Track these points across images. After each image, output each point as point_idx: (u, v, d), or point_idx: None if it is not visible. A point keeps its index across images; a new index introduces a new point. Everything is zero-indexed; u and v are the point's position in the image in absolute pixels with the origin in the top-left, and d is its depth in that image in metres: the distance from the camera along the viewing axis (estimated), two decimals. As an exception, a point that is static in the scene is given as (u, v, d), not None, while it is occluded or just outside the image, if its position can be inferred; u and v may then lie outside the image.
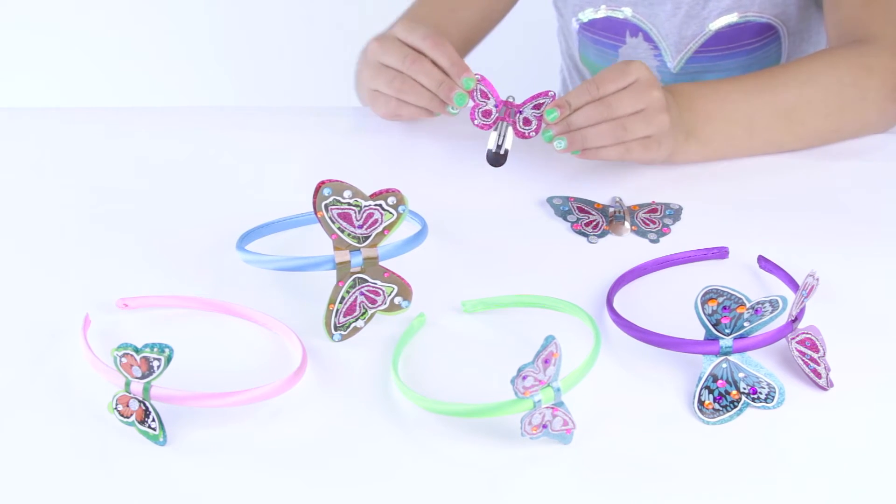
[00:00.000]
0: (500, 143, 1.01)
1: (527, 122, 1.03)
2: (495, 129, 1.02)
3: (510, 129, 1.02)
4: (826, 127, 1.09)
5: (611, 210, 1.02)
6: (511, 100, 1.03)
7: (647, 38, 1.24)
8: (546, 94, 1.03)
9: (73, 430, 0.80)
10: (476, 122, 1.04)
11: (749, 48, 1.24)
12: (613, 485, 0.76)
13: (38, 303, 0.91)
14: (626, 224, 1.00)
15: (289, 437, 0.79)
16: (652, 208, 1.02)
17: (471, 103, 1.03)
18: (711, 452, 0.78)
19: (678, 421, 0.80)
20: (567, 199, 1.04)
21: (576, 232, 1.00)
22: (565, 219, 1.01)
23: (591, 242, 0.99)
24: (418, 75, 1.03)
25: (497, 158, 1.00)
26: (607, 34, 1.26)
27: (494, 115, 1.03)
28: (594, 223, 1.01)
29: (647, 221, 1.01)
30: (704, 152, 1.07)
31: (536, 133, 1.03)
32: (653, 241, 0.99)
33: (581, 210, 1.02)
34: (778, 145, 1.09)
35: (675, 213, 1.02)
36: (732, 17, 1.21)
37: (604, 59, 1.29)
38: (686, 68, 1.26)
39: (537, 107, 1.03)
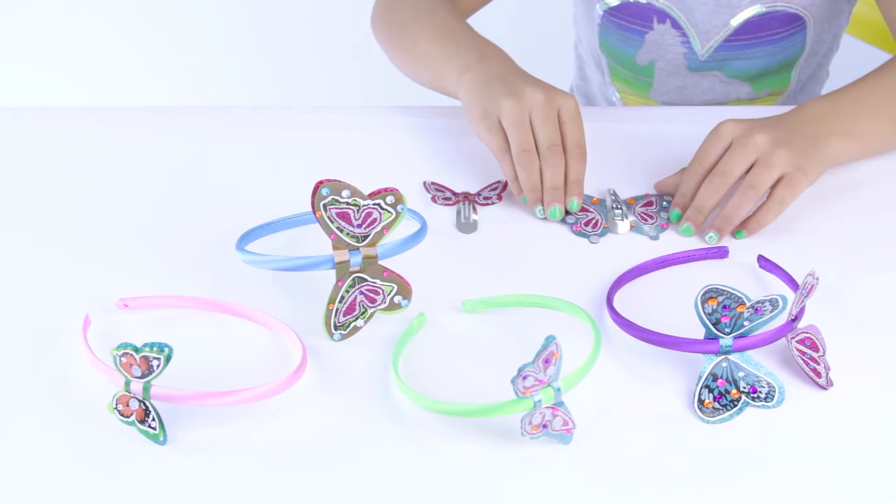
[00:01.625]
0: (467, 214, 1.02)
1: (486, 198, 1.04)
2: (457, 208, 1.03)
3: (472, 204, 1.03)
4: None
5: (609, 204, 1.02)
6: (467, 192, 1.05)
7: (675, 25, 1.25)
8: (498, 182, 1.06)
9: (74, 430, 0.80)
10: (438, 202, 1.04)
11: (776, 37, 1.25)
12: (613, 485, 0.76)
13: (38, 303, 0.91)
14: (626, 221, 1.00)
15: (289, 436, 0.79)
16: (647, 201, 1.02)
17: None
18: (711, 452, 0.78)
19: (678, 421, 0.80)
20: None
21: (576, 234, 1.00)
22: (564, 220, 1.01)
23: (592, 243, 0.99)
24: (546, 167, 1.00)
25: (467, 226, 1.00)
26: (634, 20, 1.26)
27: (454, 199, 1.04)
28: (594, 222, 1.01)
29: (645, 216, 1.01)
30: (863, 149, 1.05)
31: (499, 200, 1.04)
32: (652, 238, 0.99)
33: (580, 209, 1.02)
34: None
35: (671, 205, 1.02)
36: (761, 8, 1.22)
37: (628, 45, 1.29)
38: (714, 56, 1.27)
39: (493, 189, 1.05)
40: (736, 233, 0.99)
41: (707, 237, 0.98)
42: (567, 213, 1.01)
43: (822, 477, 0.76)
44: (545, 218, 1.01)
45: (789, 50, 1.27)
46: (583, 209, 1.02)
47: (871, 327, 0.88)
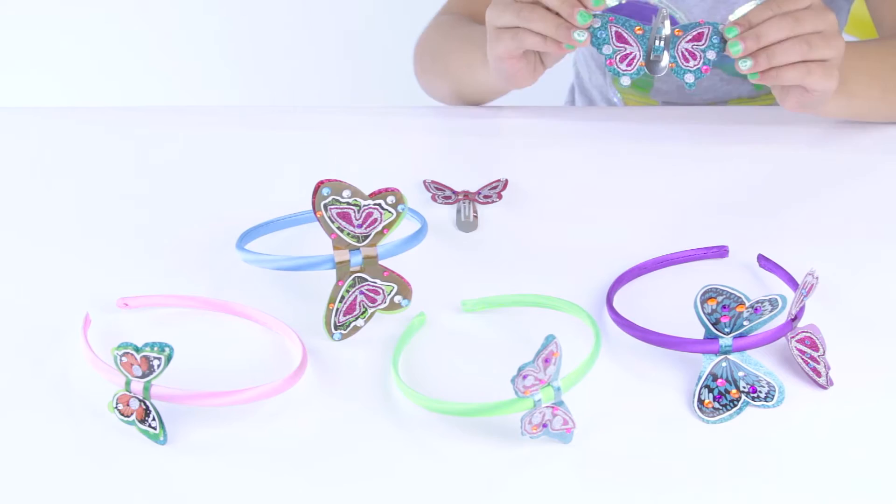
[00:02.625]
0: (467, 213, 1.01)
1: (486, 196, 1.03)
2: (457, 206, 1.02)
3: (472, 203, 1.02)
4: None
5: (654, 31, 0.99)
6: (467, 190, 1.04)
7: (674, 24, 1.25)
8: (498, 181, 1.04)
9: (74, 430, 0.80)
10: (438, 201, 1.03)
11: None
12: (613, 484, 0.76)
13: (38, 302, 0.91)
14: (664, 60, 0.99)
15: (289, 436, 0.79)
16: (697, 33, 0.99)
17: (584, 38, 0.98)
18: (711, 452, 0.78)
19: (678, 420, 0.80)
20: (607, 18, 1.00)
21: (608, 69, 0.99)
22: (600, 50, 0.99)
23: (622, 84, 0.99)
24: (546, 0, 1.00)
25: (468, 225, 1.00)
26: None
27: (454, 198, 1.03)
28: (630, 57, 0.99)
29: (688, 55, 0.99)
30: (849, 107, 1.07)
31: (500, 199, 1.03)
32: (689, 86, 0.99)
33: (619, 38, 0.99)
34: None
35: (721, 39, 0.99)
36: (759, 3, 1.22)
37: None
38: None
39: (493, 188, 1.04)
40: (751, 73, 0.99)
41: (741, 61, 0.98)
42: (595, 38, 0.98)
43: (822, 477, 0.76)
44: (587, 39, 0.98)
45: None
46: (622, 39, 0.99)
47: (872, 327, 0.88)
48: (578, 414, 0.78)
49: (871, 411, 0.81)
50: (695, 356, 0.85)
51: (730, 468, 0.77)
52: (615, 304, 0.89)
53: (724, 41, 0.99)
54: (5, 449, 0.78)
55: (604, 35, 0.99)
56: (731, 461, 0.77)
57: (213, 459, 0.78)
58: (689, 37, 0.99)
